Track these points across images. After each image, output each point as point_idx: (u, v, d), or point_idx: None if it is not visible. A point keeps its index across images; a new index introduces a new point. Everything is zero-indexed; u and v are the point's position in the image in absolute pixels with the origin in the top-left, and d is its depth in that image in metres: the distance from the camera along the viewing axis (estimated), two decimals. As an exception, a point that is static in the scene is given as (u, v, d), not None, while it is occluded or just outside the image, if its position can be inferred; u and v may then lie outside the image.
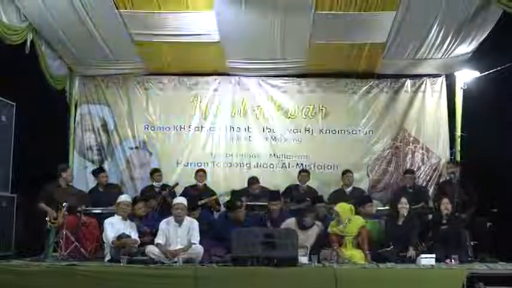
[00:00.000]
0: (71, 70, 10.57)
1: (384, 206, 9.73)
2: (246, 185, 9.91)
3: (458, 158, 10.21)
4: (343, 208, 8.25)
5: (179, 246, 7.80)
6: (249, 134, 10.81)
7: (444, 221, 8.24)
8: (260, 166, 10.65)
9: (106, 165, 10.56)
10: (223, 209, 9.39)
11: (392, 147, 10.74)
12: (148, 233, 8.24)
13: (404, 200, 8.47)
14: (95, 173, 9.95)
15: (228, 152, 10.77)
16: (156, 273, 6.99)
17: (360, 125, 10.78)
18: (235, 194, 9.49)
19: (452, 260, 7.57)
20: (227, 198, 9.42)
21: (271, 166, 10.72)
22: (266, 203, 9.17)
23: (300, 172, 10.08)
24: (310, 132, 10.78)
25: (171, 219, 8.00)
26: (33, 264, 7.29)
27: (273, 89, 10.86)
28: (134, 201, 8.73)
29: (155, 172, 10.03)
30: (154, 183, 9.94)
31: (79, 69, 10.61)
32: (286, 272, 6.94)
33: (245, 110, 10.83)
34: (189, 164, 10.65)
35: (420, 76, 10.72)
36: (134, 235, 8.03)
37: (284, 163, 10.70)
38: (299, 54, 10.00)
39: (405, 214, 8.34)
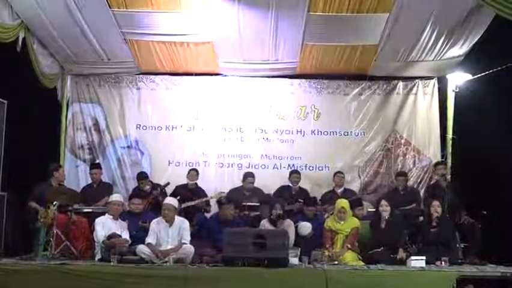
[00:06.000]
0: (63, 69, 10.52)
1: (374, 208, 9.75)
2: (239, 185, 9.99)
3: (449, 160, 10.23)
4: (346, 205, 8.45)
5: (170, 246, 7.79)
6: (241, 134, 10.80)
7: (434, 224, 8.26)
8: (252, 167, 10.61)
9: (97, 164, 10.52)
10: (213, 209, 9.38)
11: (383, 149, 10.76)
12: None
13: (384, 202, 8.50)
14: (90, 168, 10.04)
15: (219, 153, 10.75)
16: (146, 273, 7.00)
17: (352, 126, 10.79)
18: (230, 192, 9.62)
19: (442, 262, 7.60)
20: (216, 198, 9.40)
21: (263, 167, 10.70)
22: (258, 204, 9.21)
23: (290, 173, 10.07)
24: (302, 134, 10.79)
25: (162, 219, 7.99)
26: (23, 263, 7.28)
27: (266, 89, 10.85)
28: (131, 196, 8.94)
29: (141, 179, 9.66)
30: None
31: (71, 68, 10.57)
32: (277, 273, 6.97)
33: (237, 110, 10.82)
34: (181, 164, 10.63)
35: (413, 78, 10.73)
36: (125, 234, 8.02)
37: (276, 164, 10.70)
38: (292, 55, 10.01)
39: (386, 217, 8.37)
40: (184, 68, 10.59)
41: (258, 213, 9.17)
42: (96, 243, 7.95)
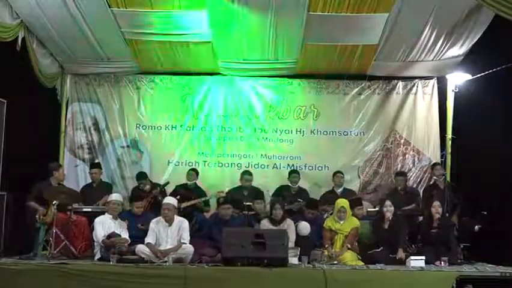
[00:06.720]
0: (63, 68, 10.52)
1: (374, 208, 9.75)
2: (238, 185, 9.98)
3: (448, 161, 10.22)
4: (346, 204, 8.44)
5: (169, 246, 7.79)
6: (240, 134, 10.79)
7: (435, 225, 8.25)
8: (251, 166, 10.57)
9: (96, 164, 10.51)
10: (213, 209, 9.39)
11: (383, 148, 10.75)
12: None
13: (388, 202, 8.50)
14: (90, 167, 10.04)
15: (219, 152, 10.74)
16: (146, 272, 7.00)
17: (351, 126, 10.78)
18: (230, 192, 9.63)
19: (442, 262, 7.60)
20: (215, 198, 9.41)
21: (263, 166, 10.69)
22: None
23: (290, 173, 10.06)
24: (302, 133, 10.78)
25: (161, 218, 7.98)
26: (22, 263, 7.27)
27: (265, 89, 10.85)
28: (132, 199, 8.96)
29: (140, 179, 9.72)
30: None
31: (71, 67, 10.55)
32: (277, 273, 6.96)
33: (237, 110, 10.82)
34: (180, 164, 10.62)
35: (412, 78, 10.72)
36: (125, 234, 8.02)
37: (275, 164, 10.69)
38: (291, 55, 10.00)
39: (390, 217, 8.37)
40: (184, 67, 10.58)
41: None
42: (95, 243, 7.97)
